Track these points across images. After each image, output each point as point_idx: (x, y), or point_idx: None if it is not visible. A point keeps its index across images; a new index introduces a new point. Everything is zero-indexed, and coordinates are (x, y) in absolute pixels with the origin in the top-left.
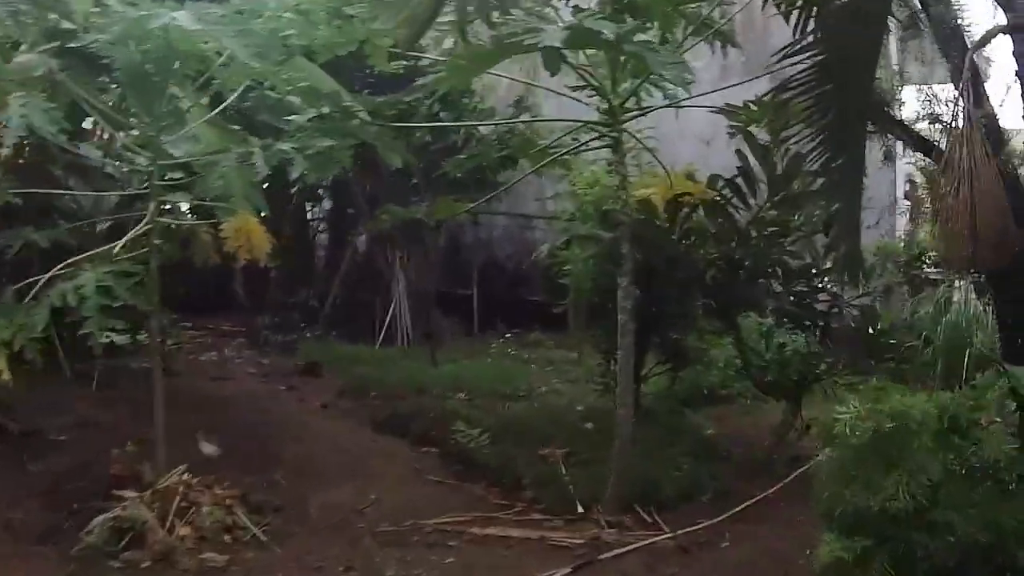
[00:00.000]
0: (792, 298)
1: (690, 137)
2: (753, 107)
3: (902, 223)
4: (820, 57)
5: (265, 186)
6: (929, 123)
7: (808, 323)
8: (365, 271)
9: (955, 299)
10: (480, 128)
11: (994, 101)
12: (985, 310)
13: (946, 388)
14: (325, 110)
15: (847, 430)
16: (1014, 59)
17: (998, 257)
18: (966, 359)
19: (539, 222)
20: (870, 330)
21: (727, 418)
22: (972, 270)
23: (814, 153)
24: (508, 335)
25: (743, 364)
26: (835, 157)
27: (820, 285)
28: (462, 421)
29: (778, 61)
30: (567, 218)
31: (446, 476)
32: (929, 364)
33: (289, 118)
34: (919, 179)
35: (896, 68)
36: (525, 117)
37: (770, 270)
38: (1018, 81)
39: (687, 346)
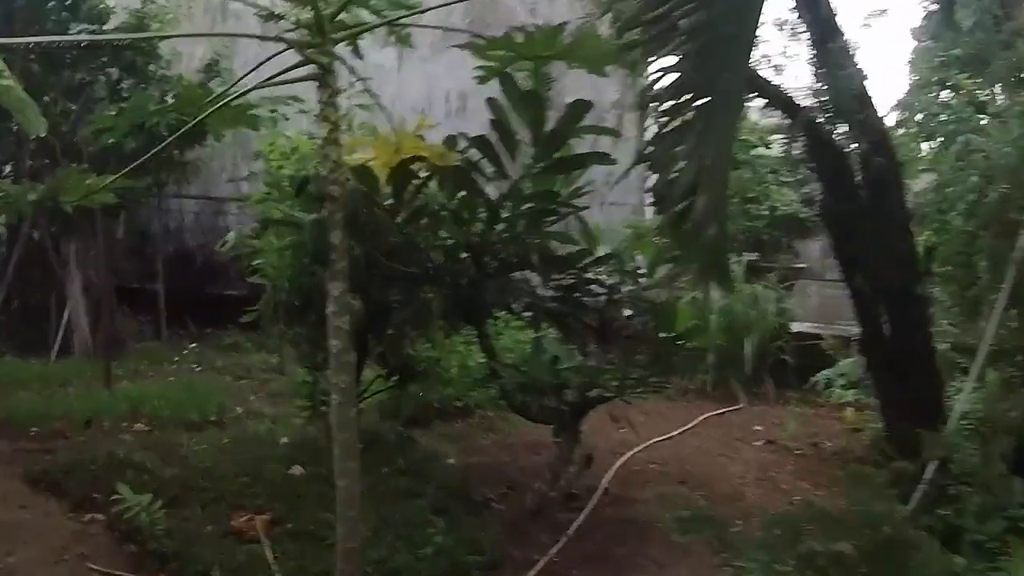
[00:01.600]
0: (557, 293)
1: (404, 108)
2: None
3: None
4: None
5: None
6: None
7: (576, 325)
8: (37, 267)
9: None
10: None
11: None
12: (770, 290)
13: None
14: None
15: None
16: None
17: None
18: (749, 349)
19: (232, 206)
20: (663, 333)
21: (468, 438)
22: None
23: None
24: (199, 337)
25: (501, 391)
26: (706, 91)
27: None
28: (131, 476)
29: None
30: (258, 199)
31: (115, 562)
32: (697, 354)
33: None
34: None
35: None
36: (217, 83)
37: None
38: None
39: (415, 356)
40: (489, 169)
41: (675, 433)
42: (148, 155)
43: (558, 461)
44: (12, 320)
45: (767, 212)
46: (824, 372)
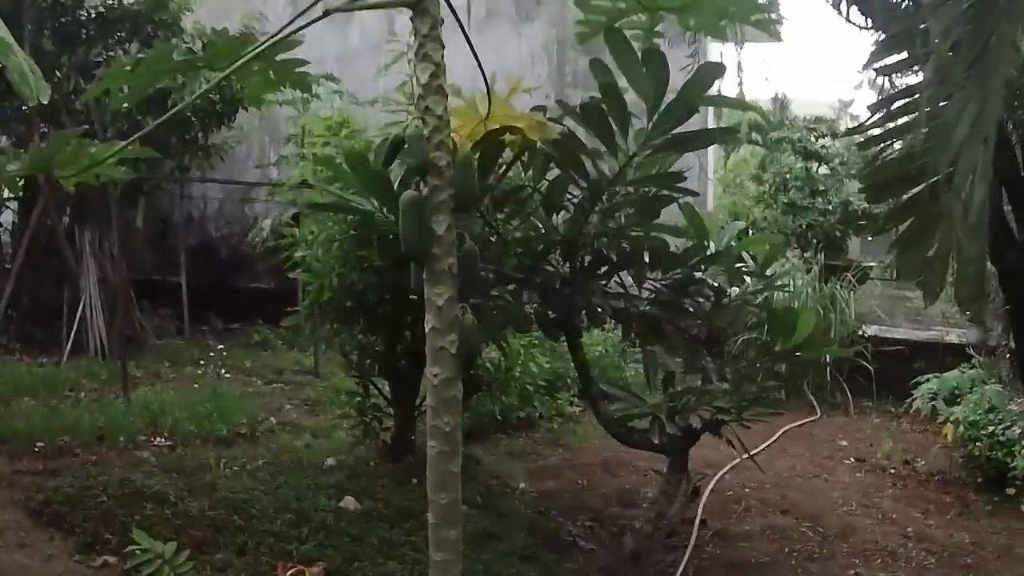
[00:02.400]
0: (653, 296)
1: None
2: None
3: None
4: None
5: None
6: None
7: (676, 334)
8: (49, 258)
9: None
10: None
11: None
12: (849, 291)
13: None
14: None
15: None
16: None
17: None
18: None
19: (260, 193)
20: (782, 343)
21: (535, 456)
22: None
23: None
24: (225, 334)
25: (598, 415)
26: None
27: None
28: (149, 510)
29: None
30: (295, 182)
31: None
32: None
33: None
34: None
35: None
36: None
37: (620, 253)
38: None
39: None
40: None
41: (760, 449)
42: (169, 115)
43: (663, 497)
44: (23, 316)
45: (839, 206)
46: (925, 383)
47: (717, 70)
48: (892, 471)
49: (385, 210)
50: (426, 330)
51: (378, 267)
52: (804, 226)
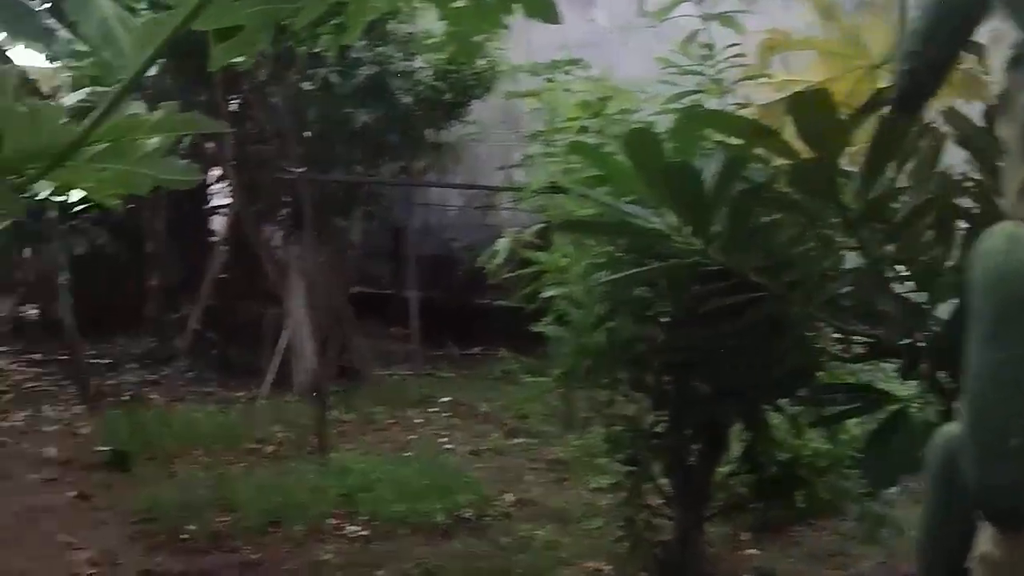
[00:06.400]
0: None
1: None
2: None
3: None
4: None
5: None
6: None
7: None
8: (248, 275)
9: None
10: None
11: None
12: None
13: None
14: None
15: None
16: None
17: None
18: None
19: (503, 199)
20: None
21: (842, 557)
22: None
23: None
24: (462, 361)
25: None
26: None
27: None
28: None
29: None
30: (535, 186)
31: None
32: None
33: None
34: None
35: None
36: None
37: None
38: None
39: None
40: None
41: None
42: None
43: None
44: (220, 341)
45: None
46: None
47: None
48: None
49: (690, 231)
50: None
51: (669, 317)
52: None
